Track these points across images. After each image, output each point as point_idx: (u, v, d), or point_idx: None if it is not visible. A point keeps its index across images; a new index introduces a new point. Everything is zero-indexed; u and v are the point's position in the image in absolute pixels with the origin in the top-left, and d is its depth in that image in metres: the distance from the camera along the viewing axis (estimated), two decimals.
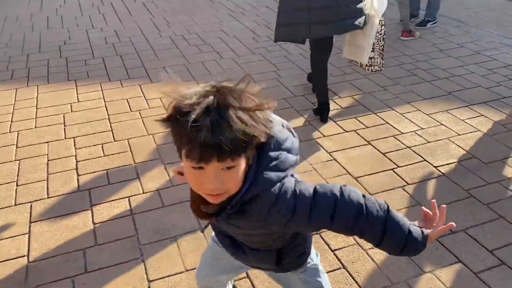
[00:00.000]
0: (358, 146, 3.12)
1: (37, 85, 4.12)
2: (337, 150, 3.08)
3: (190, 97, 0.89)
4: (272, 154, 1.01)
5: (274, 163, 1.00)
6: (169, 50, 4.93)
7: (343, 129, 3.33)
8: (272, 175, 1.00)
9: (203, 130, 0.83)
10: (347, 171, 2.85)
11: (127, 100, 3.81)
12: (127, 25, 5.79)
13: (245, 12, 6.28)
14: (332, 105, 3.69)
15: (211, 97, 0.87)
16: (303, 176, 2.81)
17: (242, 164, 0.93)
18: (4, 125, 3.46)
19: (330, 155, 3.03)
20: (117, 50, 4.95)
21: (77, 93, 3.96)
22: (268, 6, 6.55)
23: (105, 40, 5.24)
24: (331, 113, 3.54)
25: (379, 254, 2.22)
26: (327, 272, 2.08)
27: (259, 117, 0.91)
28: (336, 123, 3.42)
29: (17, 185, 2.79)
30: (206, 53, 4.84)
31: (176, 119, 0.87)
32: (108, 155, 3.07)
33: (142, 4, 6.83)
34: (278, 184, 1.01)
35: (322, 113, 3.44)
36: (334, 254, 2.24)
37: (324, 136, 3.25)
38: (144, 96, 3.88)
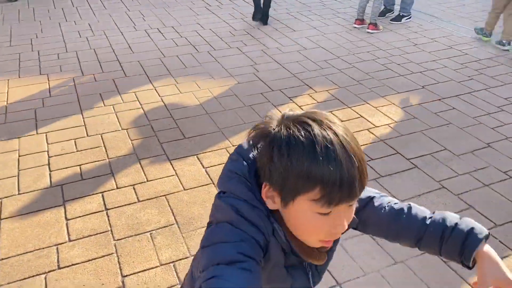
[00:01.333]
0: None
1: (8, 80, 4.01)
2: None
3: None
4: None
5: None
6: (144, 43, 4.87)
7: None
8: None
9: (341, 166, 0.74)
10: None
11: (100, 95, 3.75)
12: (102, 19, 5.68)
13: (222, 6, 6.24)
14: (307, 99, 3.72)
15: (328, 130, 0.78)
16: None
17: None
18: None
19: None
20: (91, 44, 4.86)
21: (49, 87, 3.87)
22: (246, 0, 6.53)
23: (78, 34, 5.14)
24: (306, 108, 3.57)
25: (352, 245, 2.25)
26: None
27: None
28: None
29: None
30: (181, 46, 4.80)
31: (300, 154, 0.76)
32: (81, 151, 3.02)
33: None
34: None
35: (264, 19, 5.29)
36: None
37: None
38: (118, 90, 3.83)
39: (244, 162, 0.88)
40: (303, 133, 0.77)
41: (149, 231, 2.36)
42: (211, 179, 2.76)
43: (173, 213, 2.49)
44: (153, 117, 3.45)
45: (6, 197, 2.59)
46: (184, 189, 2.68)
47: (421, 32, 5.26)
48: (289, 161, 0.76)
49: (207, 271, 0.78)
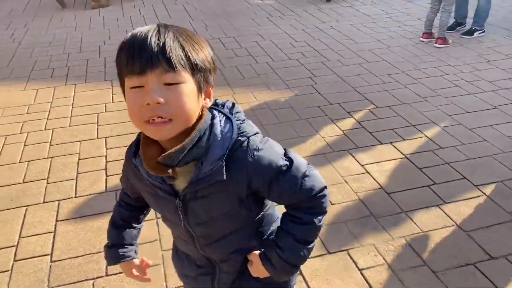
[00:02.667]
0: (393, 160, 2.97)
1: (75, 84, 4.20)
2: (371, 162, 2.94)
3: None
4: (238, 115, 1.02)
5: (243, 119, 1.02)
6: None
7: (378, 141, 3.19)
8: (249, 127, 0.99)
9: (139, 39, 0.85)
10: (380, 185, 2.72)
11: None
12: None
13: (284, 17, 6.21)
14: (368, 115, 3.56)
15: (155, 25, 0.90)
16: (333, 188, 2.70)
17: (187, 86, 0.87)
18: (40, 122, 3.53)
19: (363, 167, 2.90)
20: None
21: (112, 93, 4.00)
22: (307, 10, 6.46)
23: None
24: (366, 124, 3.41)
25: (409, 277, 2.08)
26: None
27: (201, 48, 0.90)
28: (371, 134, 3.28)
29: (47, 183, 2.82)
30: (241, 57, 4.80)
31: (120, 46, 0.89)
32: None
33: (182, 6, 6.90)
34: (260, 136, 1.00)
35: None
36: (362, 274, 2.12)
37: (357, 147, 3.12)
38: None
39: None
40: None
41: None
42: None
43: None
44: None
45: (63, 199, 2.68)
46: None
47: (495, 48, 4.91)
48: (115, 58, 0.90)
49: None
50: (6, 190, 2.76)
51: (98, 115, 3.62)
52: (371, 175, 2.81)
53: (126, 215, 1.25)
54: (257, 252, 1.12)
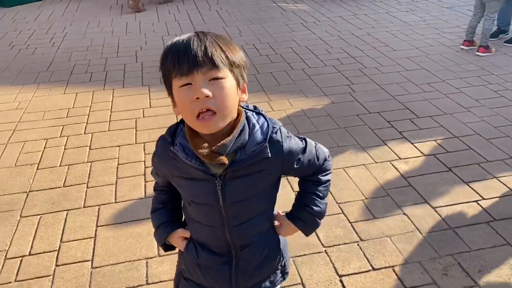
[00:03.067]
0: (437, 172, 2.87)
1: (113, 89, 4.25)
2: (414, 175, 2.85)
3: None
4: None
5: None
6: None
7: (421, 152, 3.09)
8: (274, 119, 1.15)
9: (182, 45, 1.00)
10: (425, 200, 2.62)
11: None
12: None
13: (318, 23, 6.15)
14: (409, 125, 3.46)
15: (199, 34, 1.03)
16: (376, 201, 2.62)
17: (228, 80, 1.01)
18: (80, 126, 3.58)
19: (406, 180, 2.81)
20: None
21: (149, 98, 4.03)
22: (342, 16, 6.38)
23: None
24: (408, 134, 3.32)
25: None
26: None
27: (235, 49, 1.05)
28: (413, 145, 3.18)
29: (87, 187, 2.84)
30: (276, 63, 4.77)
31: (165, 53, 1.03)
32: None
33: (216, 12, 6.92)
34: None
35: None
36: None
37: (400, 158, 3.03)
38: None
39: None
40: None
41: None
42: None
43: None
44: None
45: (103, 204, 2.69)
46: None
47: None
48: (161, 62, 1.05)
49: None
50: (48, 194, 2.80)
51: (136, 120, 3.64)
52: (415, 189, 2.72)
53: (164, 197, 1.34)
54: (282, 214, 1.30)
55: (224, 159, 1.05)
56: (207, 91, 0.97)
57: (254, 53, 5.07)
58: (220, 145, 1.04)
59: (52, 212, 2.64)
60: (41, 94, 4.18)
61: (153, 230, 1.34)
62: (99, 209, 2.65)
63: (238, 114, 1.08)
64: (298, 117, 3.65)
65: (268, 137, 1.09)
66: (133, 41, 5.63)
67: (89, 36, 5.86)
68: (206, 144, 1.05)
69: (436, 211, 2.53)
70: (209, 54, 0.98)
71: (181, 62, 0.98)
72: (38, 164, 3.10)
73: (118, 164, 3.07)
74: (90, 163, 3.09)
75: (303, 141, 1.22)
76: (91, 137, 3.41)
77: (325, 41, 5.41)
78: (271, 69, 4.62)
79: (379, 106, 3.77)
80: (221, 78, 1.00)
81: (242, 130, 1.07)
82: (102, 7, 7.39)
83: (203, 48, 0.98)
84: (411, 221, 2.46)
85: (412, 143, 3.20)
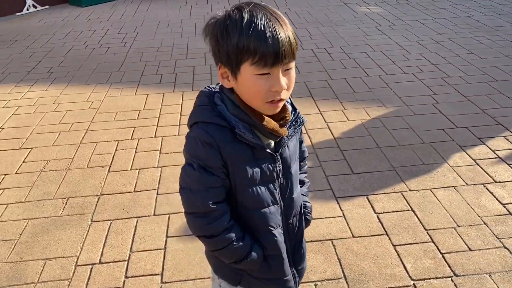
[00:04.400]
0: None
1: (183, 92, 4.20)
2: None
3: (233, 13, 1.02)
4: None
5: None
6: (311, 63, 4.71)
7: None
8: None
9: (270, 34, 0.96)
10: None
11: None
12: None
13: (394, 26, 5.81)
14: (503, 143, 3.12)
15: (259, 10, 1.01)
16: (469, 230, 2.33)
17: (294, 68, 1.05)
18: (151, 129, 3.54)
19: (505, 207, 2.49)
20: None
21: None
22: (420, 20, 5.99)
23: None
24: (502, 153, 2.97)
25: None
26: None
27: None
28: (510, 166, 2.84)
29: (157, 194, 2.77)
30: (350, 68, 4.52)
31: (234, 29, 0.98)
32: None
33: (285, 14, 6.74)
34: None
35: None
36: None
37: (495, 181, 2.71)
38: None
39: (207, 95, 1.13)
40: (237, 14, 1.00)
41: (314, 281, 2.10)
42: (385, 229, 2.39)
43: (340, 264, 2.19)
44: (318, 145, 3.22)
45: (174, 213, 2.60)
46: (353, 236, 2.36)
47: None
48: (227, 37, 0.99)
49: None
50: (119, 198, 2.75)
51: None
52: None
53: (225, 208, 1.15)
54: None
55: (285, 131, 1.12)
56: (285, 85, 1.02)
57: (326, 57, 4.85)
58: (288, 119, 1.12)
59: (122, 219, 2.58)
60: (113, 94, 4.21)
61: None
62: (169, 218, 2.57)
63: None
64: (376, 128, 3.39)
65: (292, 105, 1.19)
66: (202, 42, 5.57)
67: (159, 37, 5.90)
68: (269, 119, 1.08)
69: None
70: (292, 46, 0.99)
71: (266, 52, 0.96)
72: (110, 166, 3.08)
73: None
74: (160, 168, 3.02)
75: None
76: (162, 141, 3.36)
77: (402, 46, 5.08)
78: (345, 75, 4.38)
79: (467, 120, 3.43)
80: (292, 68, 1.04)
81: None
82: (172, 7, 7.46)
83: (288, 40, 0.98)
84: None
85: (508, 164, 2.86)
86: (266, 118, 1.08)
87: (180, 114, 3.76)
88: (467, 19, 5.97)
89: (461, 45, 5.00)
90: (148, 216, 2.59)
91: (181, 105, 3.93)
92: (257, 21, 0.97)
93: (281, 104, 1.06)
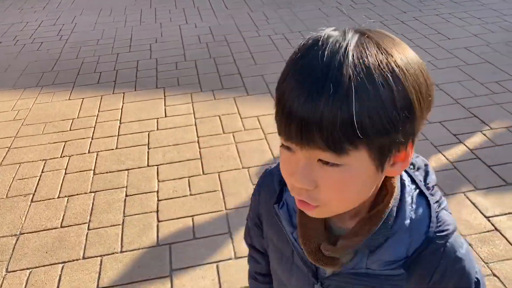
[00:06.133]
0: None
1: (123, 92, 3.70)
2: None
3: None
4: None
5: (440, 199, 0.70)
6: (268, 52, 4.28)
7: None
8: (447, 216, 0.68)
9: (306, 92, 0.53)
10: None
11: (219, 118, 3.23)
12: (223, 21, 5.22)
13: (356, 6, 5.42)
14: (479, 138, 2.81)
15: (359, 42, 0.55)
16: None
17: (358, 165, 0.57)
18: (84, 143, 3.05)
19: (489, 221, 2.18)
20: (211, 51, 4.40)
21: (165, 105, 3.46)
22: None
23: (198, 39, 4.73)
24: (481, 153, 2.66)
25: None
26: None
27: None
28: (490, 168, 2.53)
29: (88, 229, 2.33)
30: None
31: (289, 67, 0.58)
32: (194, 195, 2.51)
33: None
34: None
35: None
36: None
37: (476, 188, 2.39)
38: (239, 114, 3.27)
39: None
40: (308, 41, 0.59)
41: None
42: None
43: None
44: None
45: (106, 254, 2.17)
46: None
47: None
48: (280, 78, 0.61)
49: None
50: (42, 238, 2.29)
51: (148, 134, 3.09)
52: None
53: (258, 267, 0.98)
54: None
55: (336, 268, 0.70)
56: (305, 182, 0.59)
57: (285, 45, 4.42)
58: (330, 248, 0.68)
59: (45, 265, 2.13)
60: (44, 100, 3.66)
61: None
62: (101, 261, 2.13)
63: (383, 189, 0.67)
64: None
65: (413, 256, 0.66)
66: (148, 32, 5.04)
67: (99, 27, 5.29)
68: (305, 224, 0.71)
69: None
70: (336, 133, 0.53)
71: (280, 116, 0.58)
72: (33, 194, 2.60)
73: (126, 196, 2.53)
74: (93, 194, 2.57)
75: (477, 279, 0.71)
76: (96, 157, 2.88)
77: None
78: None
79: (440, 113, 3.10)
80: (341, 165, 0.57)
81: (384, 222, 0.65)
82: None
83: (333, 115, 0.52)
84: None
85: (489, 166, 2.56)
86: (304, 219, 0.70)
87: (120, 121, 3.28)
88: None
89: (427, 24, 4.68)
90: (76, 260, 2.15)
91: (121, 109, 3.44)
92: (315, 60, 0.54)
93: (315, 212, 0.63)
